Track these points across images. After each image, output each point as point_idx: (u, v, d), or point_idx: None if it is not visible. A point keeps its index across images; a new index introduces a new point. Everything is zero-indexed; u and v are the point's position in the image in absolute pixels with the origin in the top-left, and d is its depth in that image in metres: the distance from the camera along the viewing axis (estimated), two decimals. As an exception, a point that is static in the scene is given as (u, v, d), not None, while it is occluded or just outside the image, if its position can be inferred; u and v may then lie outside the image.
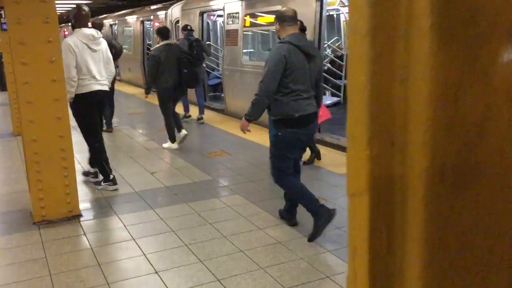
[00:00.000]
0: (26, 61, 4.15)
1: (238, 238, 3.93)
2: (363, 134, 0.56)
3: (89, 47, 4.90)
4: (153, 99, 10.85)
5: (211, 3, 10.59)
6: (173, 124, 7.06)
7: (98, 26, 8.53)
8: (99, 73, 4.99)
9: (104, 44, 5.14)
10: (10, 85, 8.68)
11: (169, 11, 12.84)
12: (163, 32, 7.13)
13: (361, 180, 0.58)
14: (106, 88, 5.15)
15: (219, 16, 11.92)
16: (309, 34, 7.22)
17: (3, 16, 8.32)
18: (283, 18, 3.86)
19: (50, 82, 4.25)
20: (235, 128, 8.51)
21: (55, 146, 4.34)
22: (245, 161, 6.33)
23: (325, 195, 4.82)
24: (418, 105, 0.53)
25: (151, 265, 3.51)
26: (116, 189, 5.21)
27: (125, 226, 4.25)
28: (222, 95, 10.88)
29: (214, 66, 12.66)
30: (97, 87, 4.98)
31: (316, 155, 6.10)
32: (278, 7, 7.96)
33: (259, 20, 9.17)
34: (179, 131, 7.19)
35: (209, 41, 12.31)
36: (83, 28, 4.89)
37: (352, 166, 0.60)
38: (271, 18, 8.68)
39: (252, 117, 3.84)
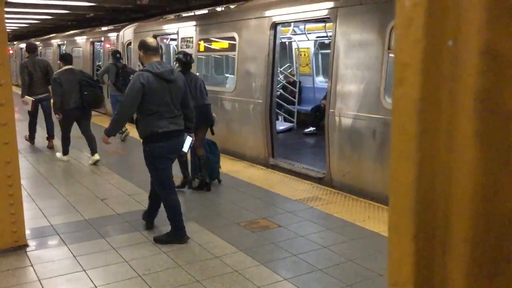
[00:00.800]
0: (-29, 84, 3.97)
1: (194, 267, 3.86)
2: (408, 229, 0.62)
3: None
4: (100, 121, 10.58)
5: (165, 26, 10.59)
6: (69, 140, 7.71)
7: (32, 49, 8.72)
8: None
9: None
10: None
11: (121, 33, 12.71)
12: (66, 58, 7.70)
13: (404, 272, 0.63)
14: None
15: (172, 39, 11.92)
16: (264, 61, 7.36)
17: None
18: (147, 48, 4.38)
19: (-3, 106, 4.07)
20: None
21: (1, 173, 4.13)
22: (199, 187, 6.27)
23: (281, 222, 4.85)
24: (461, 203, 0.60)
25: (104, 297, 3.38)
26: None
27: (74, 257, 4.08)
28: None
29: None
30: None
31: (187, 182, 6.06)
32: (233, 34, 8.07)
33: (213, 45, 9.25)
34: (93, 154, 7.55)
35: (162, 64, 12.26)
36: None
37: (395, 257, 0.65)
38: (225, 43, 8.78)
39: (111, 134, 4.45)
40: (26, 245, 4.28)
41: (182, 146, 4.55)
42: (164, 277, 3.70)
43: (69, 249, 4.25)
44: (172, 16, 10.94)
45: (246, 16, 7.90)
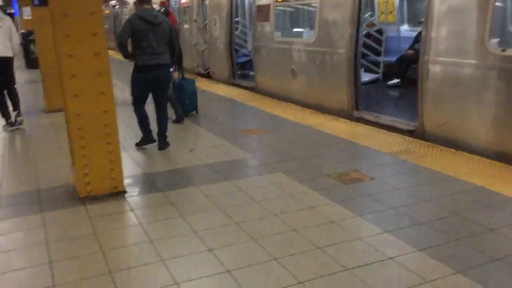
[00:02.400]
0: (69, 34, 4.04)
1: (289, 217, 3.80)
2: None
3: None
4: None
5: (242, -23, 10.33)
6: None
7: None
8: (2, 44, 6.92)
9: (7, 23, 7.04)
10: (42, 62, 8.63)
11: (197, -14, 12.59)
12: None
13: None
14: (7, 54, 7.05)
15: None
16: (348, 8, 6.98)
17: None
18: (141, 1, 5.63)
19: (93, 56, 4.13)
20: (268, 105, 8.35)
21: (99, 121, 4.25)
22: (282, 139, 6.18)
23: (374, 174, 4.65)
24: None
25: (204, 242, 3.41)
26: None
27: (170, 203, 4.17)
28: (251, 73, 10.69)
29: (242, 43, 12.44)
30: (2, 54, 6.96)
31: (178, 117, 7.25)
32: (316, -19, 7.69)
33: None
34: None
35: (237, 17, 12.09)
36: None
37: None
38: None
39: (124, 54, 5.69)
40: (124, 191, 4.42)
41: (163, 77, 5.70)
42: (261, 225, 3.68)
43: (164, 196, 4.35)
44: (248, -34, 10.64)
45: (329, -39, 7.47)
